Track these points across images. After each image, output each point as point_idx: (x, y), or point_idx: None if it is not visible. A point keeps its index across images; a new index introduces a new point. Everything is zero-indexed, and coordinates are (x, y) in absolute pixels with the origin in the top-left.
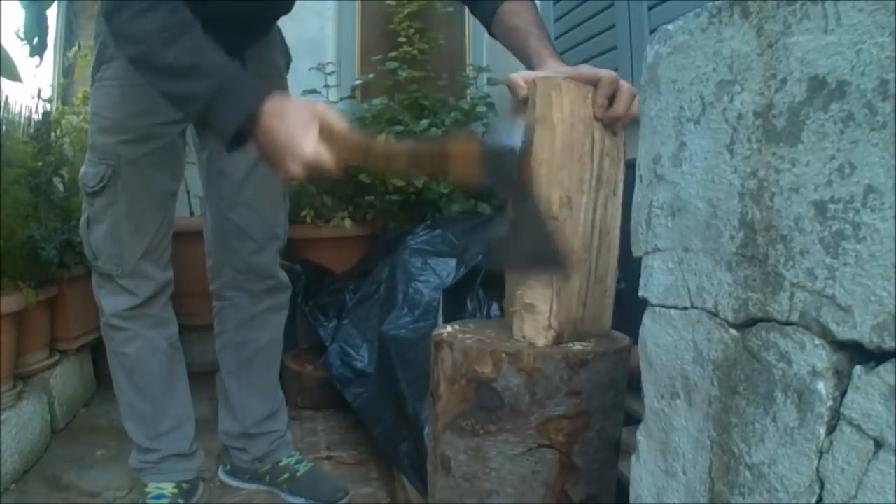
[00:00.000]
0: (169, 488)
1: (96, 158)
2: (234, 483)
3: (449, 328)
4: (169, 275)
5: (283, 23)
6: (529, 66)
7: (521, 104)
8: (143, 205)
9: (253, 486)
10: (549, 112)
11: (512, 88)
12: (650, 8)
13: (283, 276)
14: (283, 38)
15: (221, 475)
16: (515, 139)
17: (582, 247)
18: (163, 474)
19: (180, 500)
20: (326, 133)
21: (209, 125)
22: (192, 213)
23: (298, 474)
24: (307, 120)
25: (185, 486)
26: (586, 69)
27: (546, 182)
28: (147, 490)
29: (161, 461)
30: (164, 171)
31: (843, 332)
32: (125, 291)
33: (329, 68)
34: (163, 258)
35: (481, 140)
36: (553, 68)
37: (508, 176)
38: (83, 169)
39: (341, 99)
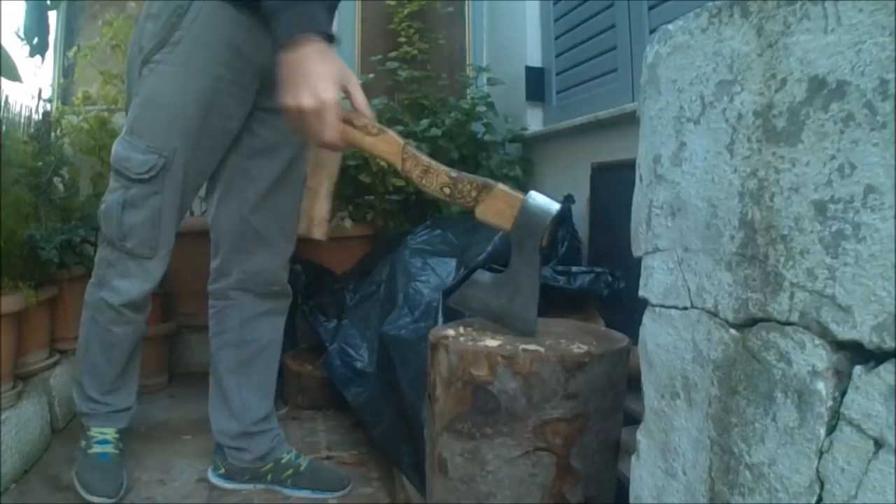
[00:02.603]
0: (111, 433)
1: (145, 146)
2: (230, 486)
3: (446, 330)
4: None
5: None
6: None
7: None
8: (183, 199)
9: (251, 486)
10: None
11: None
12: (650, 8)
13: (287, 284)
14: None
15: (214, 480)
16: (553, 207)
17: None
18: (108, 421)
19: (120, 445)
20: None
21: (272, 16)
22: (191, 214)
23: (301, 469)
24: (342, 74)
25: (123, 431)
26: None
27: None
28: (90, 434)
29: (108, 412)
30: (205, 171)
31: (843, 332)
32: (143, 274)
33: None
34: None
35: (526, 195)
36: None
37: (535, 233)
38: (124, 151)
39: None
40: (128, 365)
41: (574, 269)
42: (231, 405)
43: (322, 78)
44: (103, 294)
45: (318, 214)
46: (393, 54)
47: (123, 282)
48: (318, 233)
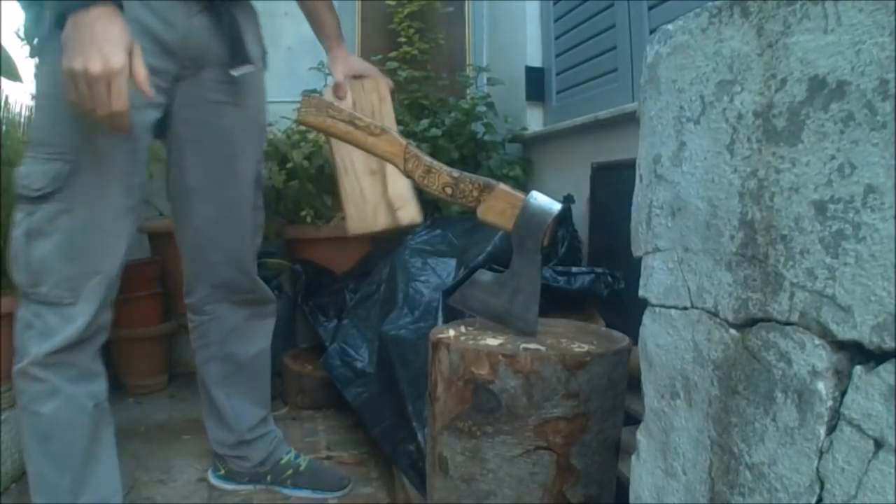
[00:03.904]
0: None
1: (45, 154)
2: (230, 487)
3: (447, 329)
4: (110, 317)
5: (283, 22)
6: (322, 44)
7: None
8: (102, 216)
9: (251, 487)
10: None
11: (340, 92)
12: (650, 8)
13: (263, 287)
14: (258, 25)
15: (214, 481)
16: (555, 207)
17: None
18: None
19: None
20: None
21: None
22: None
23: (301, 469)
24: (130, 41)
25: None
26: (361, 69)
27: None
28: None
29: None
30: (122, 179)
31: (843, 332)
32: (66, 324)
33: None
34: (113, 291)
35: (526, 195)
36: (341, 59)
37: (536, 233)
38: (24, 169)
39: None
40: (87, 472)
41: (574, 269)
42: (224, 417)
43: (113, 43)
44: (18, 364)
45: (396, 195)
46: (393, 54)
47: (40, 343)
48: (406, 216)
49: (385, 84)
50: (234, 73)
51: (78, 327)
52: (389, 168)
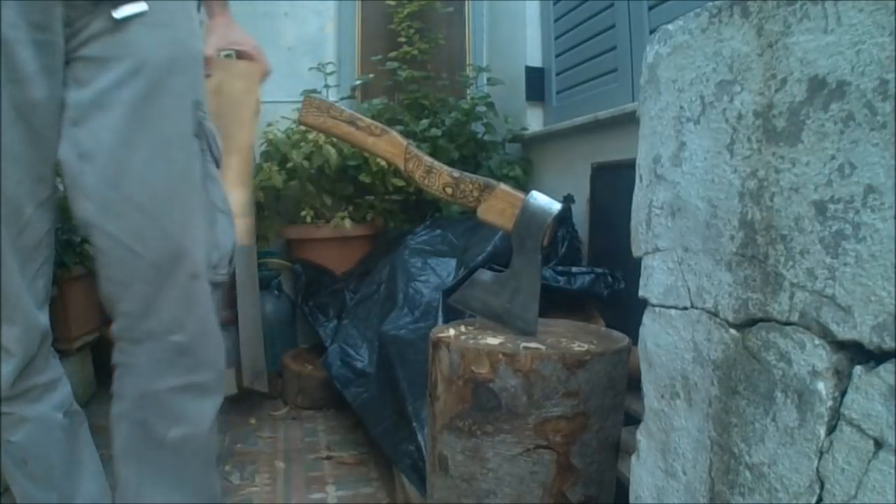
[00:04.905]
0: None
1: None
2: None
3: (447, 329)
4: (47, 319)
5: (283, 23)
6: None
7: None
8: (8, 221)
9: None
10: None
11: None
12: (650, 8)
13: (210, 338)
14: None
15: None
16: (555, 207)
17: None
18: None
19: None
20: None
21: None
22: None
23: None
24: None
25: None
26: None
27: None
28: None
29: None
30: (25, 169)
31: (843, 332)
32: (4, 353)
33: (329, 68)
34: (41, 294)
35: (526, 195)
36: (219, 29)
37: (536, 232)
38: None
39: (341, 99)
40: (73, 481)
41: (574, 269)
42: (124, 496)
43: None
44: None
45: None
46: (393, 54)
47: None
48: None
49: (259, 71)
50: (117, 15)
51: (18, 360)
52: (229, 175)
